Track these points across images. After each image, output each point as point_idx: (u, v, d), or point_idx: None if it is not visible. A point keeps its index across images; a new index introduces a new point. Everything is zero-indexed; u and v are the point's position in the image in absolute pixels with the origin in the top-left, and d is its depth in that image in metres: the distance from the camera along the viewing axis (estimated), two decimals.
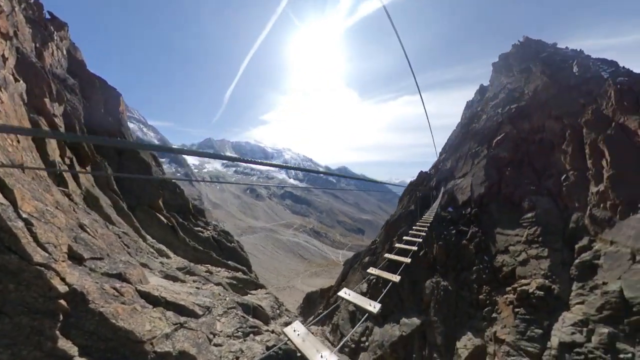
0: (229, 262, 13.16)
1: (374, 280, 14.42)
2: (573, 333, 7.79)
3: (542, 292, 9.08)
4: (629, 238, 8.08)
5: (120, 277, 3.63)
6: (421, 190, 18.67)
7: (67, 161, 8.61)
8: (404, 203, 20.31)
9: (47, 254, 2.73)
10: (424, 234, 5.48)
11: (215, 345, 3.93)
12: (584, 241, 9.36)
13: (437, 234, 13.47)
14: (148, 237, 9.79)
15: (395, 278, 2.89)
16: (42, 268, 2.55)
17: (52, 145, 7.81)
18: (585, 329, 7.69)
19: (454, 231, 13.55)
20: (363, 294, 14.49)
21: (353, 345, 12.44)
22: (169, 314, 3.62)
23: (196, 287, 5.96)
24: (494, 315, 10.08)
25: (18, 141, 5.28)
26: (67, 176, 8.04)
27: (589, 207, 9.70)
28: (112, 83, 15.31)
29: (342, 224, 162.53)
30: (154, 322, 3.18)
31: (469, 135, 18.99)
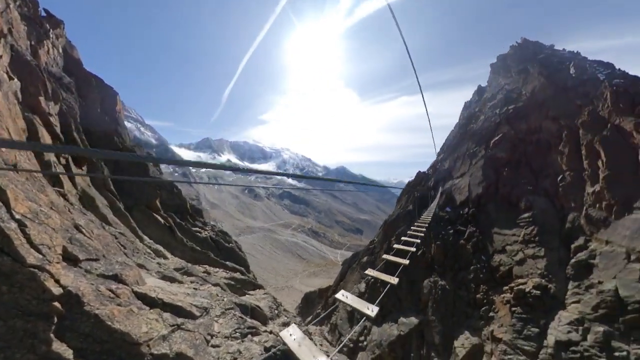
0: (227, 262, 13.10)
1: (372, 280, 14.45)
2: (569, 332, 7.86)
3: (538, 292, 9.16)
4: (624, 238, 8.18)
5: (117, 278, 3.59)
6: (419, 190, 18.74)
7: (63, 161, 8.50)
8: (402, 203, 20.37)
9: (41, 256, 2.69)
10: (422, 234, 5.49)
11: (213, 346, 3.90)
12: (580, 241, 9.45)
13: (435, 233, 13.52)
14: (145, 237, 9.71)
15: (394, 280, 2.88)
16: (36, 270, 2.51)
17: (47, 144, 7.71)
18: (581, 328, 7.76)
19: (451, 231, 13.61)
20: (361, 294, 14.51)
21: (351, 345, 12.46)
22: (166, 315, 3.58)
23: (194, 288, 5.92)
24: (491, 314, 10.15)
25: None
26: (63, 176, 7.94)
27: (585, 207, 9.80)
28: (108, 82, 15.16)
29: (341, 224, 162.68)
30: (150, 323, 3.14)
31: (467, 135, 19.09)
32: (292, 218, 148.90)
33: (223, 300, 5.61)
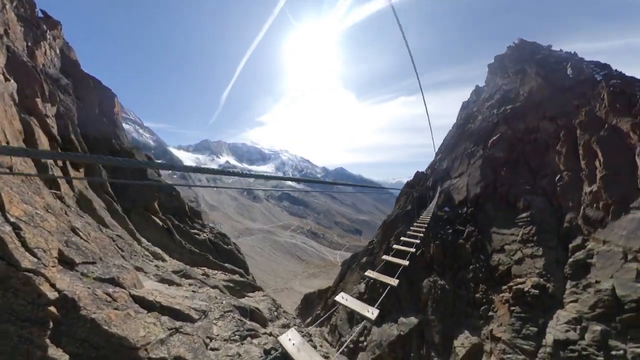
0: (226, 264, 13.05)
1: (372, 281, 14.44)
2: (567, 331, 7.89)
3: (537, 291, 9.19)
4: (621, 237, 8.23)
5: (114, 281, 3.55)
6: (418, 190, 18.78)
7: (60, 163, 8.44)
8: (401, 203, 20.40)
9: (36, 259, 2.66)
10: (421, 235, 5.48)
11: (212, 349, 3.87)
12: (578, 240, 9.51)
13: (433, 233, 13.55)
14: (143, 240, 9.64)
15: (394, 282, 2.87)
16: (31, 274, 2.48)
17: (44, 146, 7.65)
18: (578, 327, 7.80)
19: (450, 230, 13.65)
20: (361, 294, 14.50)
21: (351, 345, 12.43)
22: (164, 318, 3.55)
23: (192, 291, 5.88)
24: (490, 313, 10.17)
25: (7, 142, 5.15)
26: (60, 178, 7.87)
27: (582, 207, 9.86)
28: (106, 83, 15.06)
29: (340, 224, 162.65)
30: (148, 327, 3.11)
31: (465, 135, 19.18)
32: (291, 219, 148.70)
33: (222, 302, 5.58)
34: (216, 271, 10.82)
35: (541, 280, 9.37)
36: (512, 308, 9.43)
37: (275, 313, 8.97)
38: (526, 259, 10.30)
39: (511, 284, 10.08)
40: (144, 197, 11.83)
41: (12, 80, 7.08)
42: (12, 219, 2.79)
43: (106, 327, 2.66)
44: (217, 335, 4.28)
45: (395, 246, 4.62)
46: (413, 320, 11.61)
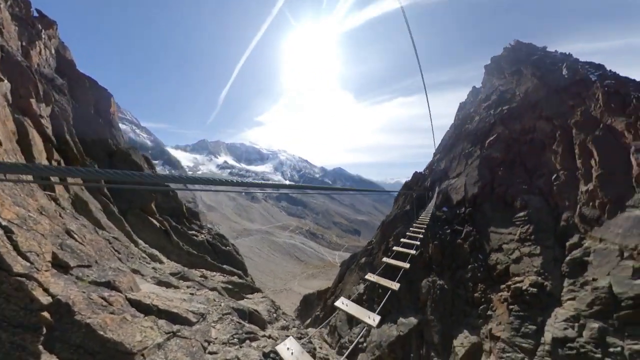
0: (224, 266, 12.94)
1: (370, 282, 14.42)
2: (565, 328, 7.95)
3: (535, 289, 9.25)
4: (617, 235, 8.32)
5: (109, 285, 3.48)
6: (416, 190, 18.84)
7: (55, 164, 8.31)
8: (400, 203, 20.45)
9: (28, 264, 2.59)
10: (421, 236, 5.46)
11: (210, 353, 3.81)
12: (575, 239, 9.59)
13: (432, 233, 13.59)
14: (140, 241, 9.52)
15: (395, 286, 2.83)
16: (23, 279, 2.41)
17: (39, 147, 7.52)
18: (576, 324, 7.86)
19: (448, 230, 13.70)
20: (360, 295, 14.47)
21: (350, 346, 12.39)
22: (161, 322, 3.49)
23: (190, 293, 5.81)
24: (489, 312, 10.21)
25: (0, 144, 5.05)
26: (54, 179, 7.75)
27: (578, 206, 9.96)
28: (102, 83, 14.90)
29: (338, 225, 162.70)
30: (145, 331, 3.05)
31: (462, 136, 19.30)
32: (289, 220, 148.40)
33: (220, 305, 5.51)
34: (214, 273, 10.73)
35: (539, 278, 9.44)
36: (511, 307, 9.48)
37: (275, 315, 8.90)
38: (524, 257, 10.37)
39: (509, 282, 10.13)
40: (141, 198, 11.70)
41: (6, 80, 6.96)
42: (3, 223, 2.72)
43: (101, 332, 2.60)
44: (216, 338, 4.23)
45: (395, 248, 4.60)
46: (412, 320, 11.61)
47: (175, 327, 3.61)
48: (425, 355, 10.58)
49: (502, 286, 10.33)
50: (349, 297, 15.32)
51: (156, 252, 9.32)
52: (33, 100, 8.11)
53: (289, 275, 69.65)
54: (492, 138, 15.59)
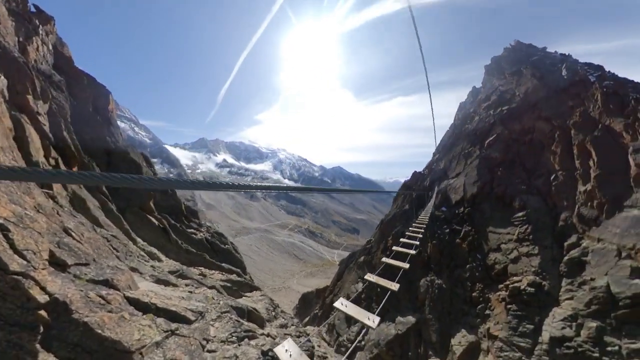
0: (223, 264, 12.93)
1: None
2: (563, 328, 8.00)
3: (533, 289, 9.30)
4: (615, 235, 8.37)
5: (107, 283, 3.46)
6: (416, 190, 18.86)
7: (52, 162, 8.23)
8: (399, 203, 20.48)
9: (25, 262, 2.57)
10: (420, 236, 5.46)
11: (209, 351, 3.80)
12: (573, 238, 9.64)
13: (431, 232, 13.63)
14: (139, 239, 9.49)
15: (394, 286, 2.81)
16: (20, 277, 2.39)
17: (36, 144, 7.45)
18: (574, 324, 7.91)
19: (447, 230, 13.74)
20: (359, 294, 14.51)
21: (349, 345, 12.45)
22: (160, 320, 3.48)
23: (189, 291, 5.80)
24: (487, 312, 10.27)
25: None
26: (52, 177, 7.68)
27: (577, 206, 10.00)
28: (101, 80, 14.76)
29: (337, 223, 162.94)
30: (143, 330, 3.04)
31: (462, 135, 19.31)
32: (288, 218, 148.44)
33: (219, 303, 5.51)
34: (213, 271, 10.72)
35: (537, 278, 9.49)
36: (509, 306, 9.53)
37: (273, 313, 8.92)
38: (522, 257, 10.42)
39: (507, 282, 10.18)
40: (139, 196, 11.65)
41: (2, 77, 6.88)
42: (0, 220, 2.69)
43: (99, 331, 2.59)
44: (214, 336, 4.22)
45: (395, 248, 4.59)
46: (411, 319, 11.66)
47: (174, 326, 3.60)
48: (423, 353, 10.64)
49: (500, 286, 10.38)
50: (347, 297, 15.37)
51: (155, 250, 9.30)
52: (30, 97, 8.02)
53: (288, 274, 69.77)
54: (491, 138, 15.61)
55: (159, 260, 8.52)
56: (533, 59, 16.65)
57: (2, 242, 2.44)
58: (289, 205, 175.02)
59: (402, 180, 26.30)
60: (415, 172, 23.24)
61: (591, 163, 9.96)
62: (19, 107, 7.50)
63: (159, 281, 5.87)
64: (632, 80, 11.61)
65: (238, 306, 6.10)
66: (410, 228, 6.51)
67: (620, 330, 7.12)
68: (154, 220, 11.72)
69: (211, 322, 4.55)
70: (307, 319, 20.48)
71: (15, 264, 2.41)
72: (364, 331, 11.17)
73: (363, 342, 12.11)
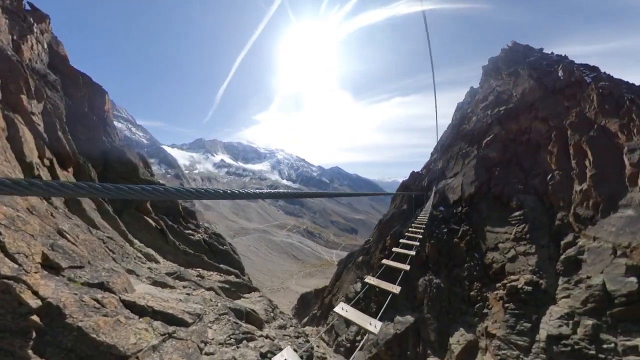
0: (221, 265, 12.83)
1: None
2: (560, 326, 8.07)
3: (530, 287, 9.37)
4: (611, 234, 8.46)
5: (103, 286, 3.40)
6: (414, 190, 18.92)
7: (47, 162, 8.10)
8: (397, 202, 20.53)
9: (16, 266, 2.51)
10: (420, 236, 5.44)
11: (207, 354, 3.76)
12: (569, 237, 9.74)
13: (429, 232, 13.67)
14: (135, 241, 9.37)
15: (395, 289, 2.78)
16: (11, 281, 2.33)
17: (30, 144, 7.33)
18: (571, 322, 7.98)
19: (445, 229, 13.80)
20: (357, 293, 14.50)
21: (348, 345, 12.44)
22: (156, 324, 3.42)
23: (186, 293, 5.73)
24: (485, 310, 10.33)
25: None
26: (46, 177, 7.57)
27: (573, 205, 10.10)
28: (97, 80, 14.58)
29: (336, 224, 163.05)
30: (139, 333, 2.99)
31: (460, 136, 19.41)
32: (287, 219, 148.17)
33: (217, 305, 5.45)
34: (211, 272, 10.63)
35: (534, 277, 9.56)
36: (506, 305, 9.59)
37: (272, 314, 8.86)
38: (519, 256, 10.50)
39: (505, 281, 10.25)
40: None
41: None
42: None
43: (94, 335, 2.53)
44: (212, 339, 4.17)
45: (395, 249, 4.57)
46: (409, 318, 11.68)
47: (171, 329, 3.54)
48: (421, 352, 10.66)
49: (498, 284, 10.45)
50: (346, 296, 15.35)
51: (152, 252, 9.19)
52: (24, 97, 7.89)
53: (287, 274, 69.63)
54: (489, 138, 15.70)
55: (156, 262, 8.42)
56: (530, 60, 16.79)
57: None
58: (287, 205, 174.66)
59: (401, 180, 26.37)
60: (413, 172, 23.31)
61: (587, 163, 10.06)
62: (12, 107, 7.37)
63: (156, 283, 5.79)
64: (627, 82, 11.75)
65: (236, 308, 6.05)
66: (409, 228, 6.50)
67: (616, 327, 7.20)
68: (151, 221, 11.59)
69: (209, 325, 4.50)
70: (305, 319, 20.45)
71: (6, 267, 2.35)
72: (362, 330, 11.16)
73: (362, 342, 12.12)
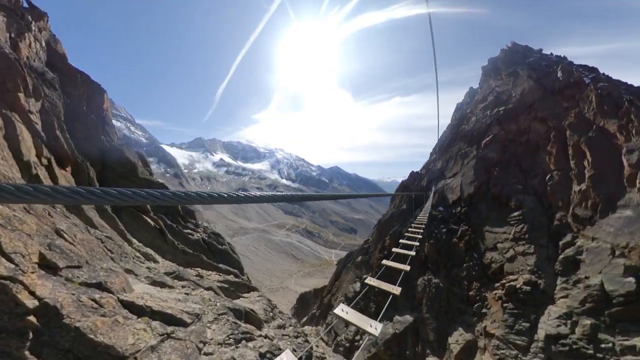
0: (220, 265, 12.80)
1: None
2: (558, 325, 8.10)
3: (528, 287, 9.41)
4: (609, 234, 8.50)
5: (101, 286, 3.37)
6: (413, 190, 18.94)
7: (45, 161, 8.05)
8: (396, 202, 20.55)
9: (13, 265, 2.48)
10: (420, 236, 5.44)
11: (206, 354, 3.74)
12: (568, 237, 9.77)
13: (428, 232, 13.69)
14: (134, 240, 9.33)
15: (396, 290, 2.77)
16: (7, 281, 2.30)
17: (27, 143, 7.28)
18: (569, 322, 8.02)
19: (444, 229, 13.82)
20: (356, 293, 14.52)
21: (347, 345, 12.45)
22: (155, 324, 3.40)
23: (185, 293, 5.71)
24: (483, 310, 10.36)
25: None
26: (44, 176, 7.52)
27: (571, 206, 10.13)
28: (96, 78, 14.49)
29: (335, 223, 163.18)
30: (138, 334, 2.97)
31: (459, 136, 19.44)
32: (286, 218, 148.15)
33: (216, 305, 5.43)
34: (210, 272, 10.60)
35: (533, 277, 9.59)
36: (505, 305, 9.62)
37: (271, 314, 8.84)
38: (518, 256, 10.53)
39: (504, 281, 10.28)
40: None
41: None
42: None
43: (92, 336, 2.51)
44: (211, 339, 4.15)
45: (394, 249, 4.57)
46: (408, 318, 11.71)
47: (170, 329, 3.52)
48: (420, 352, 10.68)
49: (497, 284, 10.47)
50: (345, 296, 15.36)
51: (150, 251, 9.16)
52: (21, 95, 7.83)
53: (286, 274, 69.63)
54: (488, 138, 15.73)
55: (155, 262, 8.39)
56: (529, 61, 16.83)
57: None
58: (286, 205, 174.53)
59: (400, 180, 26.39)
60: (412, 172, 23.34)
61: (586, 163, 10.09)
62: (9, 105, 7.31)
63: (154, 283, 5.77)
64: (626, 83, 11.80)
65: (235, 307, 6.04)
66: (409, 229, 6.50)
67: (614, 327, 7.24)
68: (149, 220, 11.55)
69: (208, 325, 4.48)
70: (305, 319, 20.46)
71: (2, 267, 2.33)
72: (361, 331, 11.19)
73: (361, 341, 12.13)
